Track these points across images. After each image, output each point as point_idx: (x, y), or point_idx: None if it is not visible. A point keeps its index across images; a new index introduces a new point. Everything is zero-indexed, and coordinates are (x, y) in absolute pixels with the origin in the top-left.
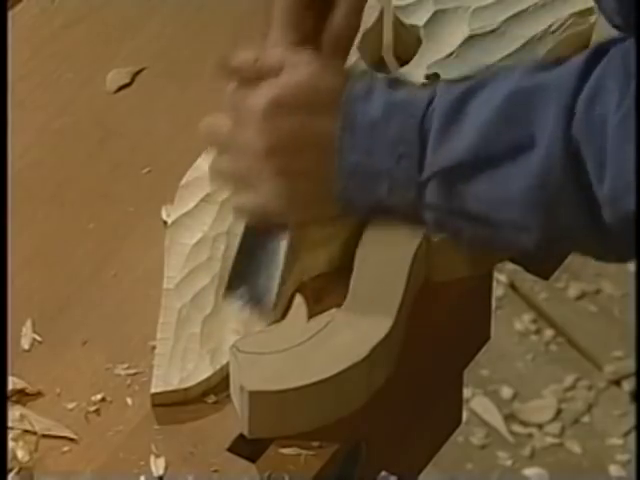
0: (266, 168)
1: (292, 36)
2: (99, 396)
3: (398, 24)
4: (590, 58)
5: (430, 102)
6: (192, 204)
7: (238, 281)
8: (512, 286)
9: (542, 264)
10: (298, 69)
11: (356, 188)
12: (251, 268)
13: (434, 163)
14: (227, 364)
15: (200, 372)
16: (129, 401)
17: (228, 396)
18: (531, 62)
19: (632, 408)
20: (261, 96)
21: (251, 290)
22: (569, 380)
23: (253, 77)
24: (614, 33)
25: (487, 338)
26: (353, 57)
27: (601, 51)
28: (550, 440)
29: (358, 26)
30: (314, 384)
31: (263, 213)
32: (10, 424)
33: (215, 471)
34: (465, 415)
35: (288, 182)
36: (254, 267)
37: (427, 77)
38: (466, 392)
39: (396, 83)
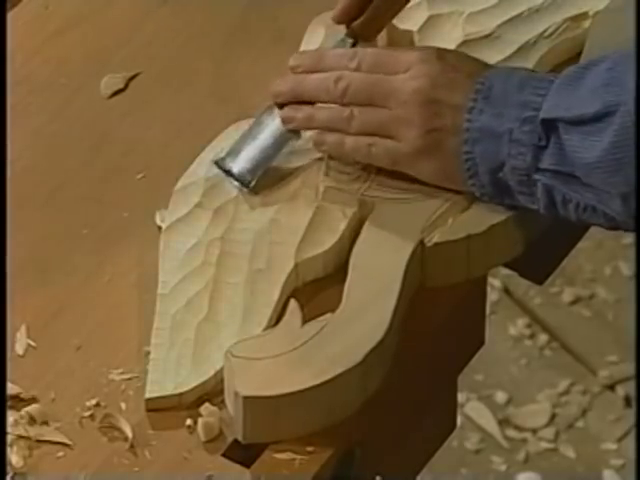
0: (416, 114)
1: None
2: (93, 401)
3: (392, 29)
4: None
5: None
6: (186, 209)
7: (229, 154)
8: (506, 291)
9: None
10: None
11: (481, 150)
12: (244, 143)
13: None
14: (221, 369)
15: (194, 377)
16: (123, 406)
17: (222, 401)
18: None
19: (626, 413)
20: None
21: (237, 161)
22: (563, 385)
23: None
24: (607, 39)
25: (481, 343)
26: None
27: None
28: (544, 445)
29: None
30: (308, 389)
31: (394, 156)
32: None
33: (210, 476)
34: (459, 420)
35: (430, 137)
36: (246, 141)
37: None
38: (460, 397)
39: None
